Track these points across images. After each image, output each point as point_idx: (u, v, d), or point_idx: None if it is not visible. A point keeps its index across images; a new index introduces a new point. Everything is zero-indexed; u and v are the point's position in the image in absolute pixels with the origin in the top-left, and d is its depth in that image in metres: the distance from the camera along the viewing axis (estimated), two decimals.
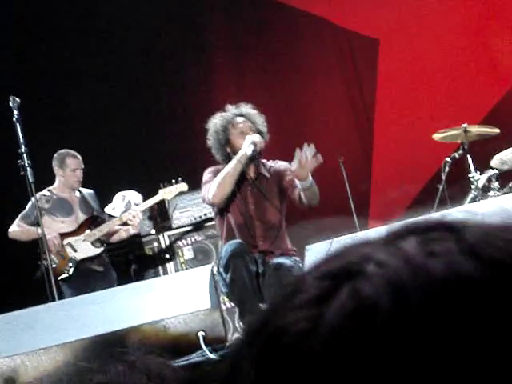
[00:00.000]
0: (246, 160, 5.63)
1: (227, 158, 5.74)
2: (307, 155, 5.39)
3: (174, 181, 6.86)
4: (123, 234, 6.85)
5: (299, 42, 8.70)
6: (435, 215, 0.63)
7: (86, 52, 8.58)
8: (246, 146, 5.62)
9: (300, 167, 5.40)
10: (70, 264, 6.63)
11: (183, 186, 6.85)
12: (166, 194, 6.83)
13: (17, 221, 6.70)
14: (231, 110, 5.84)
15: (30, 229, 6.55)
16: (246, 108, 5.86)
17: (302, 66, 8.67)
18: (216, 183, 5.62)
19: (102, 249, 6.78)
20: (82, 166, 6.80)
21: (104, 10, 8.67)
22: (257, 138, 5.66)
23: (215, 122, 5.80)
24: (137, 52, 8.70)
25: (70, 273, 6.61)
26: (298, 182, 5.52)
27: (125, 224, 6.79)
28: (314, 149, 5.44)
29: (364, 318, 0.60)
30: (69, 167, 6.77)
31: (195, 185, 6.75)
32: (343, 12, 8.56)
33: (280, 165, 5.84)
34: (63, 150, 6.83)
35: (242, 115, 5.79)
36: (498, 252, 0.63)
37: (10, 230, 6.71)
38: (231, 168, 5.62)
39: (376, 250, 0.64)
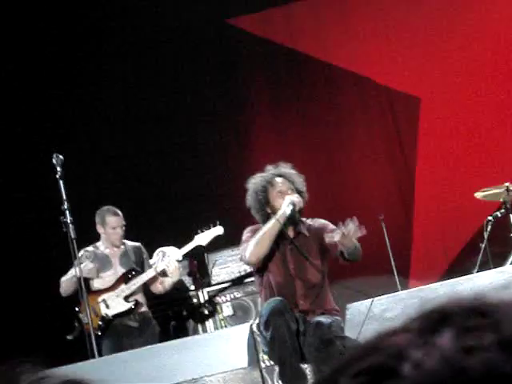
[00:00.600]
0: (284, 220, 5.62)
1: (266, 218, 5.74)
2: (351, 227, 5.38)
3: (211, 225, 6.82)
4: (159, 287, 6.78)
5: (340, 100, 8.71)
6: (469, 295, 0.62)
7: (124, 108, 8.69)
8: (285, 205, 5.62)
9: (343, 238, 5.38)
10: (101, 322, 6.59)
11: (219, 230, 6.81)
12: (201, 239, 6.79)
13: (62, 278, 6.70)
14: (270, 170, 5.86)
15: (69, 275, 6.54)
16: (285, 168, 5.88)
17: (342, 123, 8.67)
18: (253, 242, 5.62)
19: (132, 303, 6.70)
20: (123, 223, 6.78)
21: (145, 62, 8.78)
22: (295, 197, 5.67)
23: (254, 182, 5.82)
24: (177, 107, 8.78)
25: (100, 330, 6.55)
26: (343, 250, 5.50)
27: (161, 273, 6.74)
28: (356, 221, 5.43)
29: None
30: (109, 225, 6.76)
31: (236, 242, 6.75)
32: (384, 70, 8.58)
33: (319, 223, 5.82)
34: (104, 207, 6.82)
35: (280, 175, 5.80)
36: None
37: (60, 287, 6.68)
38: (269, 228, 5.62)
39: (411, 346, 0.62)
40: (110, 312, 6.63)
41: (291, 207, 5.62)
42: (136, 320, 6.70)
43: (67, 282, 6.58)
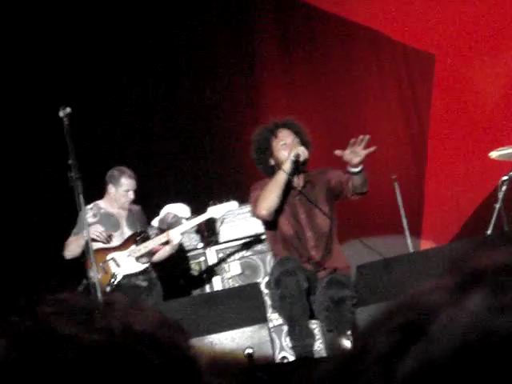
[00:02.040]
0: (290, 170, 5.56)
1: (271, 170, 5.69)
2: (361, 142, 5.33)
3: (224, 199, 6.76)
4: (167, 250, 6.73)
5: (354, 56, 8.61)
6: (502, 250, 0.61)
7: (138, 67, 8.58)
8: (291, 156, 5.55)
9: (353, 152, 5.31)
10: (113, 279, 6.54)
11: (233, 205, 6.75)
12: (214, 211, 6.73)
13: (68, 239, 6.62)
14: (274, 121, 5.79)
15: (78, 236, 6.48)
16: (289, 119, 5.81)
17: (356, 80, 8.57)
18: (263, 197, 5.57)
19: (146, 265, 6.68)
20: (135, 187, 6.71)
21: (149, 26, 8.66)
22: (301, 148, 5.60)
23: (258, 133, 5.78)
24: (185, 68, 8.68)
25: (110, 288, 6.51)
26: (348, 168, 5.41)
27: (168, 241, 6.69)
28: (368, 138, 5.36)
29: (434, 381, 0.60)
30: (122, 187, 6.69)
31: (243, 199, 6.67)
32: (399, 26, 8.46)
33: (322, 170, 5.78)
34: (121, 168, 6.74)
35: (284, 126, 5.73)
36: None
37: (64, 251, 6.61)
38: (276, 180, 5.58)
39: (442, 305, 0.63)
40: (122, 271, 6.59)
41: (296, 158, 5.55)
42: (145, 279, 6.66)
43: (74, 243, 6.50)
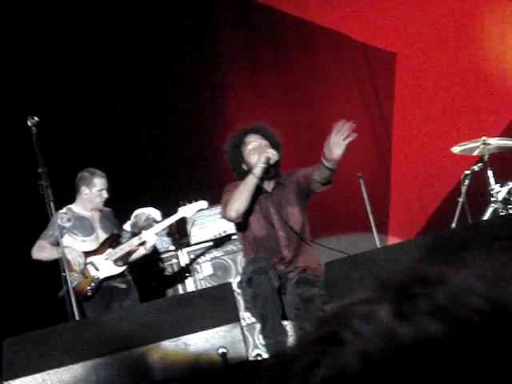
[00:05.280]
0: (260, 174, 5.67)
1: (244, 175, 5.78)
2: (343, 129, 5.39)
3: (193, 200, 6.86)
4: (141, 250, 6.82)
5: (316, 56, 8.69)
6: (420, 266, 0.67)
7: (103, 68, 8.61)
8: (261, 160, 5.67)
9: (334, 143, 5.39)
10: (93, 284, 6.61)
11: (202, 204, 6.85)
12: (185, 211, 6.83)
13: (38, 241, 6.67)
14: (244, 127, 5.92)
15: (52, 248, 6.55)
16: (256, 124, 5.93)
17: (318, 80, 8.66)
18: (232, 198, 5.68)
19: (124, 267, 6.76)
20: (107, 187, 6.78)
21: (122, 29, 8.69)
22: (270, 152, 5.70)
23: (229, 141, 5.89)
24: (152, 70, 8.72)
25: (91, 292, 6.58)
26: (324, 162, 5.48)
27: (143, 243, 6.77)
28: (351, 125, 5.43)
29: None
30: (96, 187, 6.73)
31: (213, 200, 6.77)
32: (359, 25, 8.56)
33: (293, 172, 5.88)
34: (91, 169, 6.80)
35: (252, 131, 5.85)
36: (469, 312, 0.65)
37: (33, 250, 6.67)
38: (246, 183, 5.69)
39: (356, 315, 0.69)
40: (101, 274, 6.65)
41: (265, 161, 5.66)
42: (123, 282, 6.73)
43: (49, 252, 6.56)
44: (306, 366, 0.68)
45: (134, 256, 6.83)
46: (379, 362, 0.65)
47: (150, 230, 6.80)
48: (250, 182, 5.69)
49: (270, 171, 5.74)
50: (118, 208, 7.08)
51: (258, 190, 5.73)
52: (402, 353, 0.65)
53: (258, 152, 5.75)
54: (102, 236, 6.78)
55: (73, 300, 6.11)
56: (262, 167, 5.67)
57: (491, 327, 0.65)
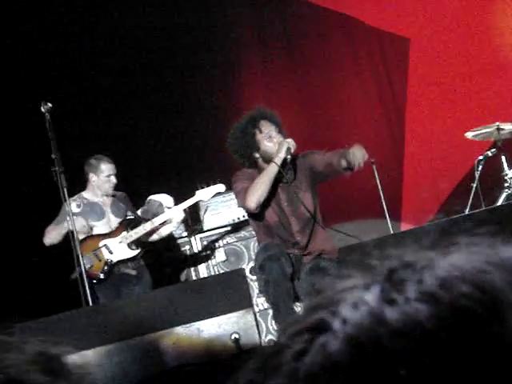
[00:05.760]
0: (281, 163, 5.64)
1: (255, 163, 5.74)
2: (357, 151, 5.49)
3: (211, 182, 6.85)
4: (155, 236, 6.83)
5: (329, 42, 8.66)
6: (398, 252, 0.69)
7: (117, 55, 8.62)
8: (284, 149, 5.62)
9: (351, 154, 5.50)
10: (106, 267, 6.62)
11: (220, 187, 6.84)
12: (203, 194, 6.82)
13: (49, 227, 6.70)
14: (254, 113, 5.83)
15: (57, 226, 6.55)
16: (266, 110, 5.88)
17: (332, 65, 8.63)
18: (254, 189, 5.62)
19: (138, 251, 6.76)
20: (115, 171, 6.79)
21: (126, 10, 8.68)
22: (290, 141, 5.68)
23: (239, 127, 5.80)
24: (166, 62, 8.71)
25: (104, 275, 6.60)
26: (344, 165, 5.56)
27: (163, 223, 6.78)
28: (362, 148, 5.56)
29: (329, 372, 0.66)
30: (103, 173, 6.75)
31: (226, 187, 6.76)
32: (373, 11, 8.52)
33: (304, 156, 5.84)
34: (97, 155, 6.81)
35: (265, 118, 5.79)
36: (457, 297, 0.66)
37: (44, 238, 6.69)
38: (269, 172, 5.63)
39: (343, 302, 0.70)
40: (115, 257, 6.66)
41: (289, 151, 5.63)
42: (134, 268, 6.74)
43: (55, 230, 6.58)
44: (294, 355, 0.69)
45: (154, 237, 6.83)
46: (368, 348, 0.65)
47: (170, 210, 6.80)
48: (273, 170, 5.63)
49: (287, 160, 5.71)
50: (134, 194, 7.10)
51: (277, 180, 5.70)
52: (391, 338, 0.65)
53: (274, 141, 5.71)
54: (114, 220, 6.79)
55: (86, 283, 6.12)
56: (283, 157, 5.64)
57: (479, 312, 0.65)
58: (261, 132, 5.74)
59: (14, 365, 0.91)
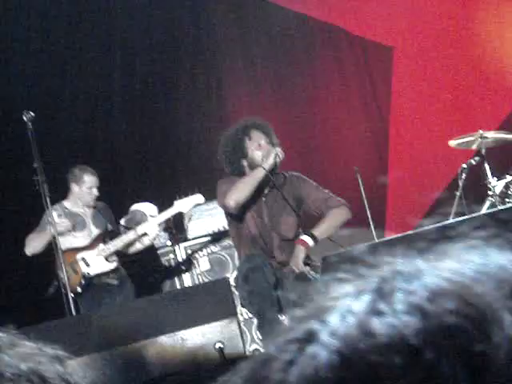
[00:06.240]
0: (269, 169, 5.63)
1: (242, 171, 5.73)
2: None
3: (189, 193, 6.83)
4: (139, 245, 6.80)
5: (313, 50, 8.68)
6: (400, 263, 0.68)
7: (101, 64, 8.59)
8: (272, 157, 5.62)
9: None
10: (83, 280, 6.59)
11: (199, 198, 6.81)
12: (181, 205, 6.80)
13: (29, 235, 6.65)
14: (245, 122, 5.84)
15: (43, 232, 6.51)
16: (259, 120, 5.88)
17: (316, 74, 8.64)
18: (235, 188, 5.61)
19: (115, 264, 6.74)
20: (98, 184, 6.76)
21: (117, 24, 8.67)
22: (278, 150, 5.68)
23: (230, 134, 5.80)
24: (151, 67, 8.70)
25: (81, 288, 6.55)
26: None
27: (141, 236, 6.76)
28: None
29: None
30: (85, 184, 6.72)
31: (210, 195, 6.74)
32: (357, 20, 8.54)
33: (296, 178, 5.83)
34: (82, 166, 6.79)
35: (255, 127, 5.79)
36: (443, 312, 0.65)
37: (26, 246, 6.64)
38: (255, 175, 5.63)
39: (331, 312, 0.69)
40: (92, 270, 6.63)
41: (277, 159, 5.63)
42: (115, 278, 6.71)
43: (37, 238, 6.54)
44: (282, 366, 0.68)
45: (132, 250, 6.81)
46: (355, 359, 0.65)
47: (147, 222, 6.77)
48: (259, 174, 5.63)
49: (273, 171, 5.71)
50: (115, 203, 7.07)
51: (257, 188, 5.68)
52: (378, 351, 0.64)
53: (262, 149, 5.70)
54: (95, 231, 6.77)
55: (69, 294, 6.09)
56: (271, 164, 5.63)
57: (464, 328, 0.64)
58: (250, 139, 5.75)
59: None
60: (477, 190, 6.65)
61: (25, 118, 6.27)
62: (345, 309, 0.68)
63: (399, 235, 5.29)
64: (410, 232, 5.35)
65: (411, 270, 0.69)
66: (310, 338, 0.67)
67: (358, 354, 0.64)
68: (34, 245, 6.59)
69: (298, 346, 0.68)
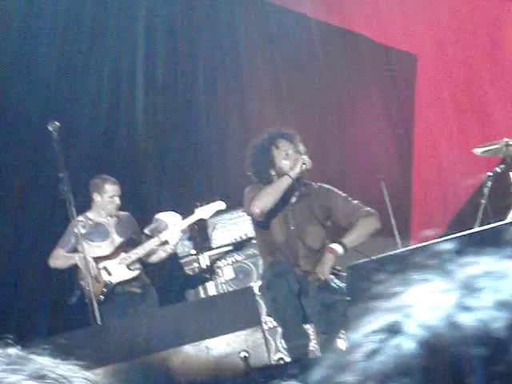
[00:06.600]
0: (296, 177, 5.63)
1: (269, 179, 5.74)
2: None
3: (210, 200, 6.84)
4: (162, 253, 6.81)
5: (337, 59, 8.66)
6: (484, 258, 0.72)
7: (122, 72, 8.62)
8: (299, 166, 5.62)
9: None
10: (105, 289, 6.60)
11: (220, 205, 6.81)
12: (202, 212, 6.80)
13: (55, 249, 6.69)
14: (272, 132, 5.84)
15: (66, 256, 6.58)
16: (286, 129, 5.88)
17: (339, 82, 8.62)
18: (261, 195, 5.62)
19: (137, 272, 6.74)
20: (120, 193, 6.79)
21: (139, 30, 8.69)
22: (306, 159, 5.68)
23: (258, 144, 5.81)
24: (178, 77, 8.72)
25: (104, 297, 6.57)
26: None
27: (163, 244, 6.76)
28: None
29: (401, 373, 0.69)
30: (107, 193, 6.75)
31: (234, 204, 6.74)
32: (381, 28, 8.52)
33: (326, 193, 5.82)
34: (103, 175, 6.82)
35: (283, 137, 5.79)
36: None
37: (50, 259, 6.70)
38: (281, 183, 5.64)
39: (418, 305, 0.72)
40: (113, 279, 6.65)
41: (304, 167, 5.63)
42: (138, 286, 6.72)
43: (63, 259, 6.61)
44: (366, 354, 0.71)
45: (154, 258, 6.82)
46: (441, 350, 0.67)
47: (168, 230, 6.78)
48: (285, 182, 5.64)
49: (300, 180, 5.71)
50: (140, 213, 7.09)
51: (284, 196, 5.68)
52: (464, 343, 0.67)
53: (290, 158, 5.70)
54: (118, 240, 6.79)
55: (94, 303, 6.11)
56: (298, 173, 5.63)
57: None
58: (277, 149, 5.75)
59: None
60: (502, 198, 6.61)
61: (50, 128, 6.31)
62: (433, 303, 0.71)
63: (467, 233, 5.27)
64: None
65: (499, 269, 0.72)
66: (394, 329, 0.71)
67: (445, 345, 0.67)
68: (58, 263, 6.68)
69: (383, 336, 0.71)
